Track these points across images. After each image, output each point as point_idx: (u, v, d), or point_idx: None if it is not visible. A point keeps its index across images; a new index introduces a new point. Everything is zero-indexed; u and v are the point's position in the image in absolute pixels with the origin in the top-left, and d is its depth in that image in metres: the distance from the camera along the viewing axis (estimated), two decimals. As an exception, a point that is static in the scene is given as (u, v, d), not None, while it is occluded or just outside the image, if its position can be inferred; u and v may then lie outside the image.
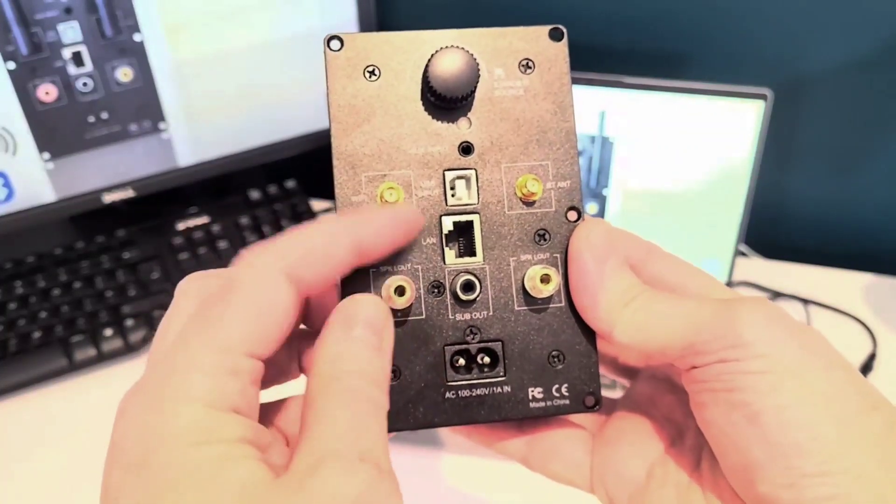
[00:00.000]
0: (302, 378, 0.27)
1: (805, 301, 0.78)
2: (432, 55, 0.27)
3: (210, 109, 0.76)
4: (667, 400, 0.30)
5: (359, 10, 0.77)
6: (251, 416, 0.22)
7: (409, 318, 0.27)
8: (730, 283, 0.76)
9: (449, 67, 0.27)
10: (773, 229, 0.87)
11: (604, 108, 0.72)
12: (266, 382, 0.25)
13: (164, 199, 0.80)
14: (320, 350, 0.23)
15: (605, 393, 0.29)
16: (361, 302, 0.24)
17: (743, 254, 0.85)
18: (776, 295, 0.78)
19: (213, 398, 0.20)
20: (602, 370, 0.30)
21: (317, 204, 0.89)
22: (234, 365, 0.21)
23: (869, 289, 0.80)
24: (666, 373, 0.31)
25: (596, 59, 0.76)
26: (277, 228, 0.80)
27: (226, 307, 0.22)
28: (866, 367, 0.70)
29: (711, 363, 0.24)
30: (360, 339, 0.24)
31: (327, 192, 1.00)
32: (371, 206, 0.27)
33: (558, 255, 0.28)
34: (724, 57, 0.78)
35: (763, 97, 0.69)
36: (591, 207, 0.76)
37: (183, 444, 0.19)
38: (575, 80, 0.34)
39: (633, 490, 0.28)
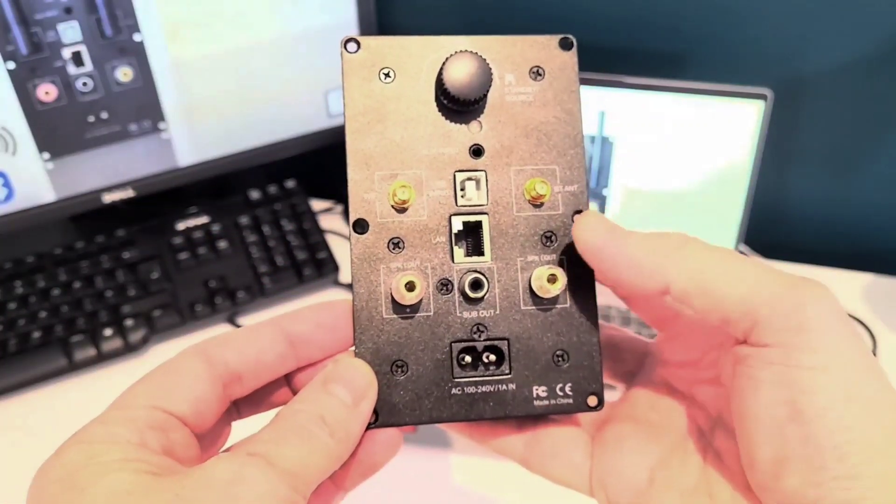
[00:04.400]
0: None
1: (805, 301, 0.77)
2: (446, 59, 0.28)
3: (210, 109, 0.75)
4: (665, 403, 0.30)
5: (359, 10, 0.77)
6: (151, 450, 0.24)
7: (418, 315, 0.28)
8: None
9: (462, 71, 0.28)
10: (773, 229, 0.87)
11: (604, 108, 0.72)
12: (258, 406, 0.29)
13: (164, 199, 0.80)
14: (294, 398, 0.26)
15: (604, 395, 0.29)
16: (346, 365, 0.27)
17: (743, 254, 0.85)
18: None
19: (101, 437, 0.23)
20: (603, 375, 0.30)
21: (317, 204, 0.89)
22: (132, 415, 0.24)
23: (869, 289, 0.80)
24: (664, 376, 0.31)
25: (596, 59, 0.76)
26: (277, 228, 0.80)
27: (142, 378, 0.26)
28: (866, 367, 0.70)
29: (768, 345, 0.23)
30: (333, 394, 0.25)
31: (327, 191, 1.00)
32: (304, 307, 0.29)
33: (565, 257, 0.29)
34: (724, 57, 0.78)
35: (763, 97, 0.69)
36: (589, 206, 0.76)
37: (65, 472, 0.22)
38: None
39: (635, 496, 0.28)
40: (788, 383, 0.23)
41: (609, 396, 0.29)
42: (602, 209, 0.75)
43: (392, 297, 0.28)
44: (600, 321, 0.30)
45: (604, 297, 0.30)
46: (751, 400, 0.24)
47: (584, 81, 0.71)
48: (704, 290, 0.24)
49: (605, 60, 0.78)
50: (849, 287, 0.80)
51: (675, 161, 0.73)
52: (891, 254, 0.85)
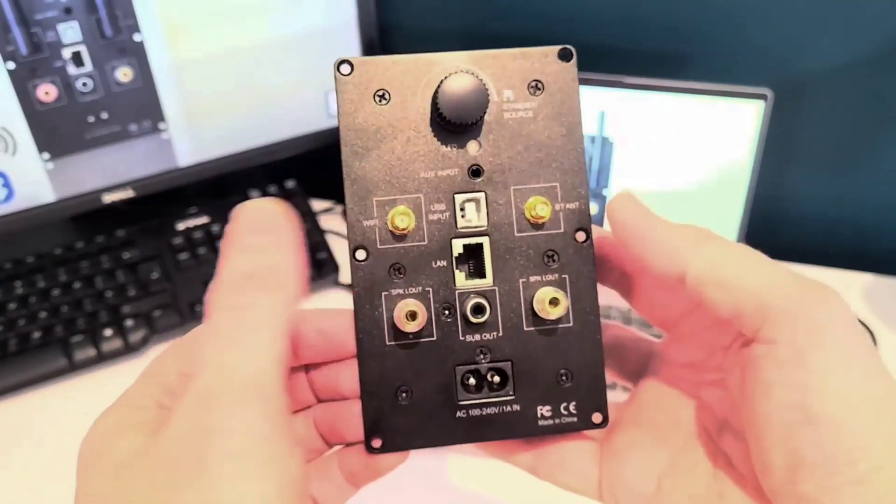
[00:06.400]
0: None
1: (805, 301, 0.77)
2: (442, 80, 0.27)
3: (210, 109, 0.75)
4: (672, 405, 0.30)
5: (359, 10, 0.77)
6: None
7: (421, 340, 0.28)
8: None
9: (458, 93, 0.27)
10: (773, 229, 0.87)
11: (604, 108, 0.72)
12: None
13: (164, 199, 0.80)
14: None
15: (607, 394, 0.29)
16: (246, 208, 0.24)
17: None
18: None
19: (131, 401, 0.24)
20: (608, 374, 0.30)
21: (317, 204, 0.89)
22: (164, 380, 0.25)
23: (869, 289, 0.80)
24: (669, 378, 0.31)
25: (596, 59, 0.76)
26: (277, 228, 0.80)
27: (170, 345, 0.26)
28: (866, 368, 0.70)
29: (778, 342, 0.23)
30: (250, 247, 0.24)
31: (327, 192, 1.00)
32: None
33: (567, 276, 0.29)
34: (724, 57, 0.78)
35: (763, 97, 0.69)
36: (591, 207, 0.75)
37: (95, 435, 0.23)
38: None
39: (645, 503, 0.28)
40: (800, 385, 0.23)
41: (616, 397, 0.29)
42: (602, 210, 0.75)
43: (394, 324, 0.28)
44: (605, 320, 0.29)
45: (605, 297, 0.30)
46: (762, 404, 0.24)
47: (583, 81, 0.71)
48: (720, 280, 0.25)
49: (605, 60, 0.78)
50: (849, 287, 0.80)
51: (676, 161, 0.73)
52: (891, 254, 0.85)
